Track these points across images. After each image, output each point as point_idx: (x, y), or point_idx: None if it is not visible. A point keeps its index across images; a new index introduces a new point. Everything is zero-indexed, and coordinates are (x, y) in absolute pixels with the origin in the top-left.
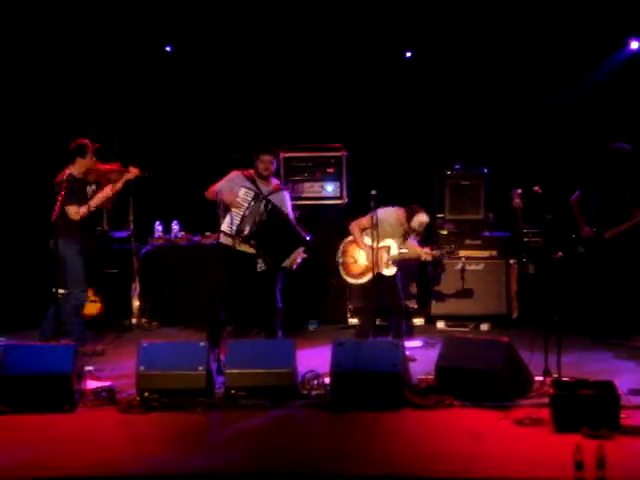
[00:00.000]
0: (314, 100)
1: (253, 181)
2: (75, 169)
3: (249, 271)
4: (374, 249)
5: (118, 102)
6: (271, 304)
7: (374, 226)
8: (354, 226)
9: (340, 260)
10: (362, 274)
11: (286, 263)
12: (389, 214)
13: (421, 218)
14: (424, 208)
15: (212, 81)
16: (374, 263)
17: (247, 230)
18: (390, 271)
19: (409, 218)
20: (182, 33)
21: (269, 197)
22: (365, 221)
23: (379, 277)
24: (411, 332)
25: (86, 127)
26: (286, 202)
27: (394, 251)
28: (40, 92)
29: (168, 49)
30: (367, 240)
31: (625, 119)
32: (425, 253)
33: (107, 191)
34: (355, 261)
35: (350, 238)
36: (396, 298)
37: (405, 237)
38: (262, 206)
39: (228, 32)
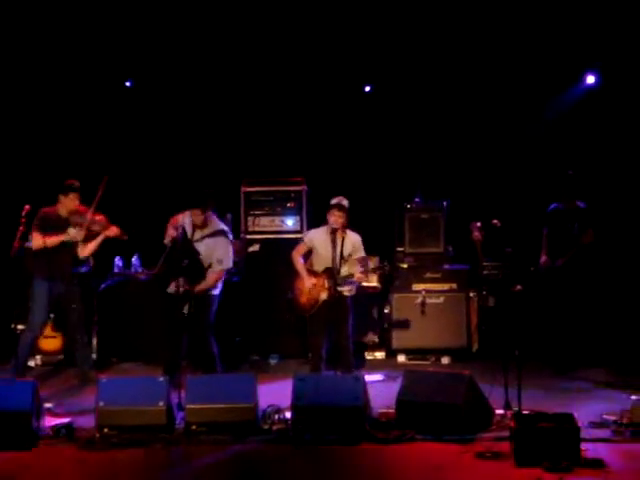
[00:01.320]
0: (274, 134)
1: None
2: (60, 208)
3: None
4: (312, 275)
5: (79, 139)
6: (202, 345)
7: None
8: (294, 254)
9: (290, 295)
10: (308, 305)
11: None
12: (318, 231)
13: (334, 200)
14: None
15: (172, 115)
16: (312, 291)
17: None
18: (331, 296)
19: (329, 212)
20: (142, 68)
21: (203, 239)
22: (300, 245)
23: (325, 306)
24: (362, 365)
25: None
26: (219, 245)
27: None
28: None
29: (128, 84)
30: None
31: (583, 152)
32: (359, 273)
33: (56, 240)
34: (301, 293)
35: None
36: (340, 331)
37: (344, 258)
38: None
39: (190, 66)
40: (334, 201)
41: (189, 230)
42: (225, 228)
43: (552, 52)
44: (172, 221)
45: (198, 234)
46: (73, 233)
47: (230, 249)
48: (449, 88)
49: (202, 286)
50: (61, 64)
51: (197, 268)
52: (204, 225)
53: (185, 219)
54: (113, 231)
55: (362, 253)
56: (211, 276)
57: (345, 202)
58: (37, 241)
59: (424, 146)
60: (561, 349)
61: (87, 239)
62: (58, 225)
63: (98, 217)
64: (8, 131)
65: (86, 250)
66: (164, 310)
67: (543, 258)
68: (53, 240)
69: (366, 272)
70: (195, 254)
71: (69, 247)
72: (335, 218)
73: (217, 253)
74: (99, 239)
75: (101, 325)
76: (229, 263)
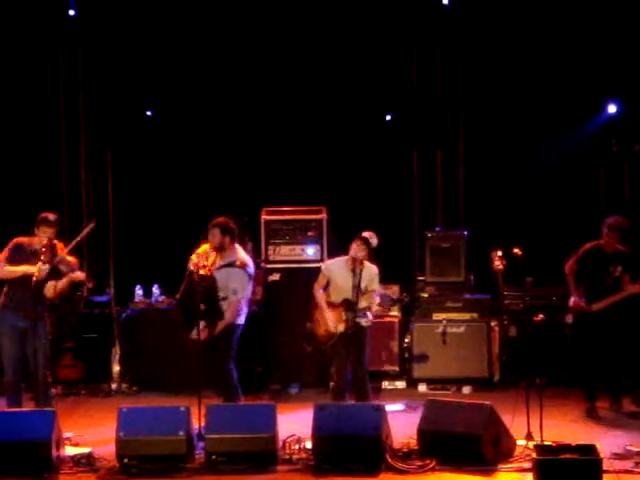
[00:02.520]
0: (295, 163)
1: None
2: (35, 240)
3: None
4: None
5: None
6: (222, 373)
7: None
8: (315, 287)
9: (308, 325)
10: (327, 336)
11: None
12: (336, 261)
13: (365, 233)
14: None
15: (192, 144)
16: (330, 323)
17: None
18: (349, 328)
19: (354, 242)
20: (162, 98)
21: (221, 270)
22: (321, 277)
23: (343, 338)
24: (376, 394)
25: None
26: (234, 275)
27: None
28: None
29: (149, 113)
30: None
31: (604, 181)
32: (375, 304)
33: (15, 271)
34: (319, 324)
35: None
36: (357, 362)
37: (361, 290)
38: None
39: (208, 94)
40: (364, 234)
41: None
42: (243, 259)
43: (575, 81)
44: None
45: (219, 262)
46: (38, 268)
47: (246, 280)
48: (471, 115)
49: (221, 326)
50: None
51: (214, 308)
52: (222, 249)
53: (209, 251)
54: (79, 277)
55: (377, 285)
56: (228, 311)
57: (374, 240)
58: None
59: (444, 175)
60: (588, 380)
61: (53, 278)
62: (28, 257)
63: (70, 259)
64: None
65: (51, 290)
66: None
67: (575, 300)
68: (11, 271)
69: (385, 306)
70: (213, 290)
71: (40, 283)
72: (357, 249)
73: (232, 284)
74: (63, 281)
75: (123, 354)
76: (244, 292)
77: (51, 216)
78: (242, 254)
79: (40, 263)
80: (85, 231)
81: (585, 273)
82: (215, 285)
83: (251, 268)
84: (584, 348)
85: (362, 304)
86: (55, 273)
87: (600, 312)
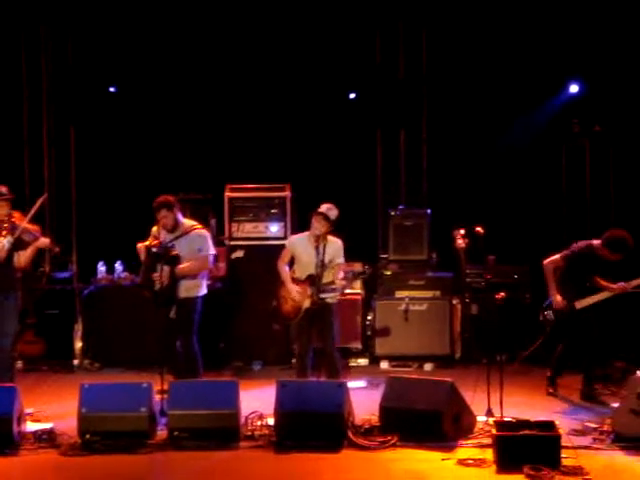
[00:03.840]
0: (259, 140)
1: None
2: None
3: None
4: (293, 282)
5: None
6: (185, 347)
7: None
8: (279, 263)
9: (274, 303)
10: (293, 313)
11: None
12: (299, 237)
13: (322, 207)
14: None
15: (155, 120)
16: (294, 298)
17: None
18: (314, 303)
19: (314, 217)
20: (125, 74)
21: (176, 241)
22: (285, 253)
23: (309, 313)
24: (346, 371)
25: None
26: (194, 238)
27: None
28: None
29: (112, 89)
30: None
31: (565, 161)
32: (339, 280)
33: None
34: (285, 301)
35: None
36: (325, 338)
37: (325, 264)
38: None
39: (172, 70)
40: (322, 209)
41: (162, 237)
42: (192, 224)
43: (537, 61)
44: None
45: (170, 236)
46: (0, 241)
47: (207, 237)
48: (434, 95)
49: (186, 269)
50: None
51: (172, 255)
52: (174, 227)
53: (158, 232)
54: (44, 242)
55: (341, 259)
56: (195, 262)
57: (333, 213)
58: None
59: (408, 154)
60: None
61: (19, 249)
62: None
63: (31, 227)
64: None
65: (21, 260)
66: (156, 317)
67: (559, 299)
68: None
69: (348, 280)
70: (172, 250)
71: (4, 257)
72: (317, 225)
73: (195, 245)
74: (29, 250)
75: (85, 331)
76: (210, 249)
77: (3, 188)
78: (190, 221)
79: (1, 237)
80: (38, 203)
81: (571, 273)
82: (174, 251)
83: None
84: (574, 339)
85: (326, 279)
86: (19, 244)
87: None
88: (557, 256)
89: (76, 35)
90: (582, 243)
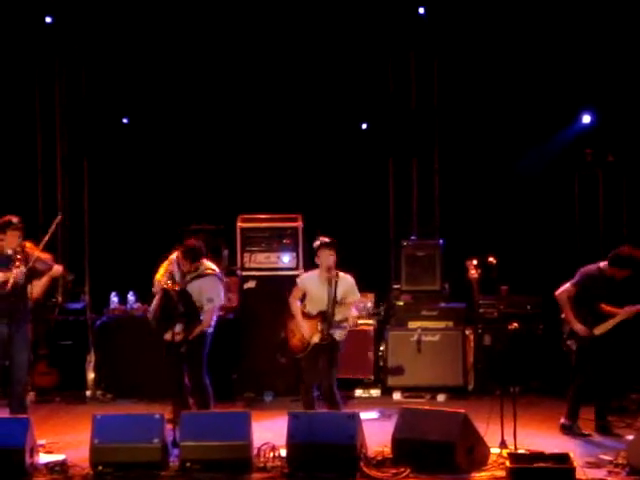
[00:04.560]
0: (271, 170)
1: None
2: (4, 245)
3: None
4: (304, 317)
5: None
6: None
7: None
8: (290, 299)
9: (282, 335)
10: (301, 347)
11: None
12: (310, 274)
13: (319, 240)
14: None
15: (168, 151)
16: (305, 334)
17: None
18: (323, 339)
19: (320, 253)
20: (138, 105)
21: (192, 281)
22: (296, 290)
23: (316, 349)
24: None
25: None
26: (207, 284)
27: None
28: None
29: (125, 120)
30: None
31: (579, 191)
32: (352, 317)
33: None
34: (293, 334)
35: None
36: (327, 373)
37: (337, 302)
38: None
39: (185, 102)
40: (320, 242)
41: (177, 275)
42: (213, 267)
43: (550, 91)
44: (164, 270)
45: (187, 277)
46: (15, 272)
47: (220, 286)
48: (446, 128)
49: (198, 330)
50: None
51: (193, 313)
52: (193, 270)
53: (174, 265)
54: (58, 270)
55: (356, 295)
56: (205, 317)
57: (327, 239)
58: None
59: (420, 184)
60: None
61: (33, 278)
62: (2, 263)
63: (44, 255)
64: None
65: (36, 289)
66: (163, 349)
67: (580, 327)
68: None
69: (361, 317)
70: (189, 298)
71: (19, 287)
72: (327, 256)
73: (207, 293)
74: (44, 280)
75: (97, 361)
76: (220, 300)
77: (14, 219)
78: (208, 262)
79: (15, 268)
80: (53, 225)
81: (584, 299)
82: (191, 297)
83: (220, 273)
84: (597, 369)
85: (338, 316)
86: (33, 273)
87: (603, 335)
88: (567, 285)
89: (90, 66)
90: (590, 267)
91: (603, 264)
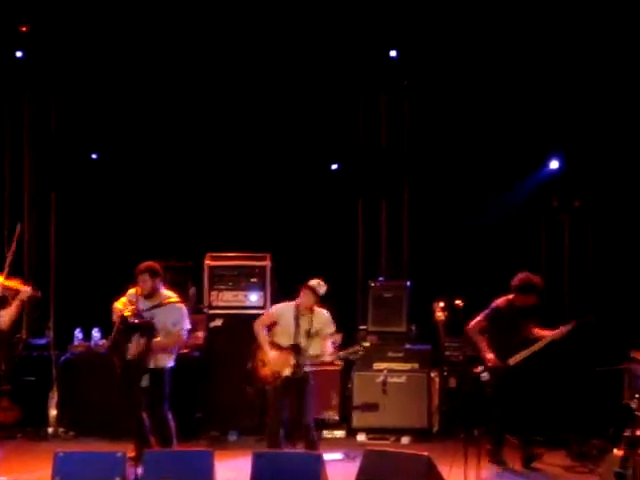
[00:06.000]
0: (241, 209)
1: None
2: None
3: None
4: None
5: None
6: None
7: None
8: (257, 324)
9: (250, 365)
10: (271, 377)
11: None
12: (286, 305)
13: (312, 282)
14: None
15: (137, 187)
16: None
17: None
18: (295, 373)
19: (303, 290)
20: (107, 141)
21: (152, 311)
22: (265, 316)
23: (287, 383)
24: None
25: None
26: (170, 311)
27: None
28: None
29: (94, 156)
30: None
31: (545, 235)
32: (329, 355)
33: None
34: (263, 364)
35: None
36: (303, 411)
37: (311, 335)
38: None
39: (154, 138)
40: (311, 283)
41: (137, 303)
42: (172, 295)
43: (518, 136)
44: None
45: (147, 304)
46: None
47: (184, 312)
48: (415, 171)
49: (161, 343)
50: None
51: (149, 327)
52: (152, 294)
53: (133, 296)
54: (26, 292)
55: (332, 328)
56: (170, 338)
57: (322, 288)
58: None
59: (389, 225)
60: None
61: (1, 307)
62: None
63: (10, 283)
64: None
65: (6, 319)
66: (123, 385)
67: (492, 357)
68: None
69: (337, 356)
70: (150, 329)
71: None
72: (304, 297)
73: (170, 318)
74: (13, 306)
75: (60, 398)
76: (185, 325)
77: None
78: (167, 291)
79: None
80: (14, 239)
81: (496, 330)
82: (152, 324)
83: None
84: (509, 402)
85: (311, 350)
86: (1, 302)
87: (517, 365)
88: (479, 317)
89: (59, 102)
90: (500, 299)
91: (512, 295)
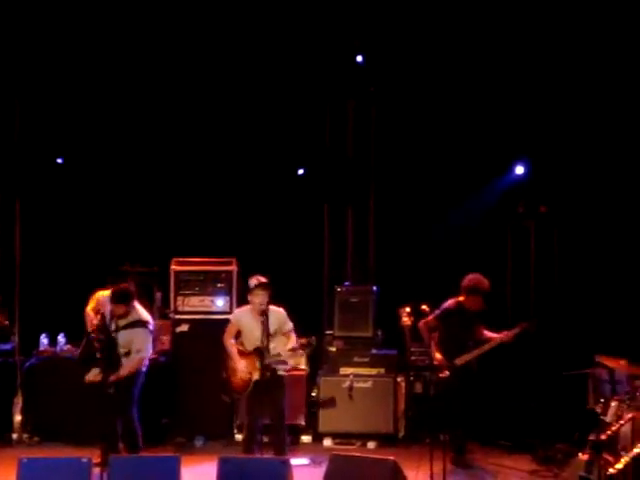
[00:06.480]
0: (206, 214)
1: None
2: None
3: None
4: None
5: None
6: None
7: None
8: (225, 337)
9: (224, 375)
10: (242, 385)
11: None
12: (243, 310)
13: (254, 279)
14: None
15: (102, 192)
16: (244, 371)
17: None
18: (263, 375)
19: (252, 294)
20: (72, 145)
21: (123, 329)
22: (231, 327)
23: (258, 386)
24: (294, 448)
25: None
26: (137, 336)
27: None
28: None
29: (59, 161)
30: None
31: (511, 241)
32: (285, 351)
33: None
34: (234, 373)
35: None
36: (276, 412)
37: (271, 335)
38: None
39: (120, 142)
40: (255, 282)
41: (109, 317)
42: (145, 318)
43: (484, 142)
44: (94, 303)
45: (119, 323)
46: None
47: (149, 339)
48: (381, 175)
49: (118, 375)
50: None
51: (112, 360)
52: (125, 315)
53: (107, 306)
54: None
55: (289, 325)
56: (128, 364)
57: (264, 279)
58: None
59: (355, 230)
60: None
61: None
62: None
63: None
64: None
65: None
66: (90, 391)
67: (437, 355)
68: None
69: (295, 351)
70: (112, 345)
71: None
72: (261, 298)
73: (136, 344)
74: None
75: (25, 404)
76: (147, 353)
77: None
78: (142, 312)
79: None
80: None
81: (446, 330)
82: (116, 346)
83: (152, 325)
84: (461, 400)
85: (274, 350)
86: None
87: (464, 366)
88: (430, 317)
89: (23, 106)
90: (450, 300)
91: (461, 297)
